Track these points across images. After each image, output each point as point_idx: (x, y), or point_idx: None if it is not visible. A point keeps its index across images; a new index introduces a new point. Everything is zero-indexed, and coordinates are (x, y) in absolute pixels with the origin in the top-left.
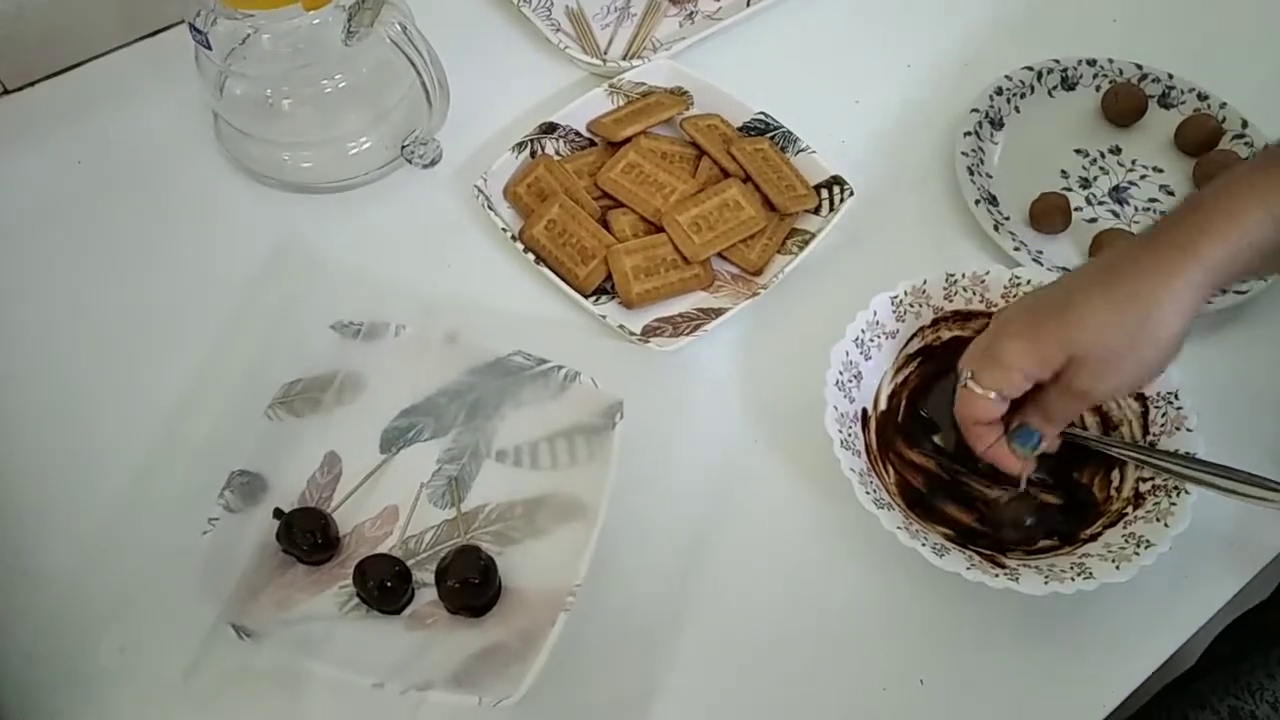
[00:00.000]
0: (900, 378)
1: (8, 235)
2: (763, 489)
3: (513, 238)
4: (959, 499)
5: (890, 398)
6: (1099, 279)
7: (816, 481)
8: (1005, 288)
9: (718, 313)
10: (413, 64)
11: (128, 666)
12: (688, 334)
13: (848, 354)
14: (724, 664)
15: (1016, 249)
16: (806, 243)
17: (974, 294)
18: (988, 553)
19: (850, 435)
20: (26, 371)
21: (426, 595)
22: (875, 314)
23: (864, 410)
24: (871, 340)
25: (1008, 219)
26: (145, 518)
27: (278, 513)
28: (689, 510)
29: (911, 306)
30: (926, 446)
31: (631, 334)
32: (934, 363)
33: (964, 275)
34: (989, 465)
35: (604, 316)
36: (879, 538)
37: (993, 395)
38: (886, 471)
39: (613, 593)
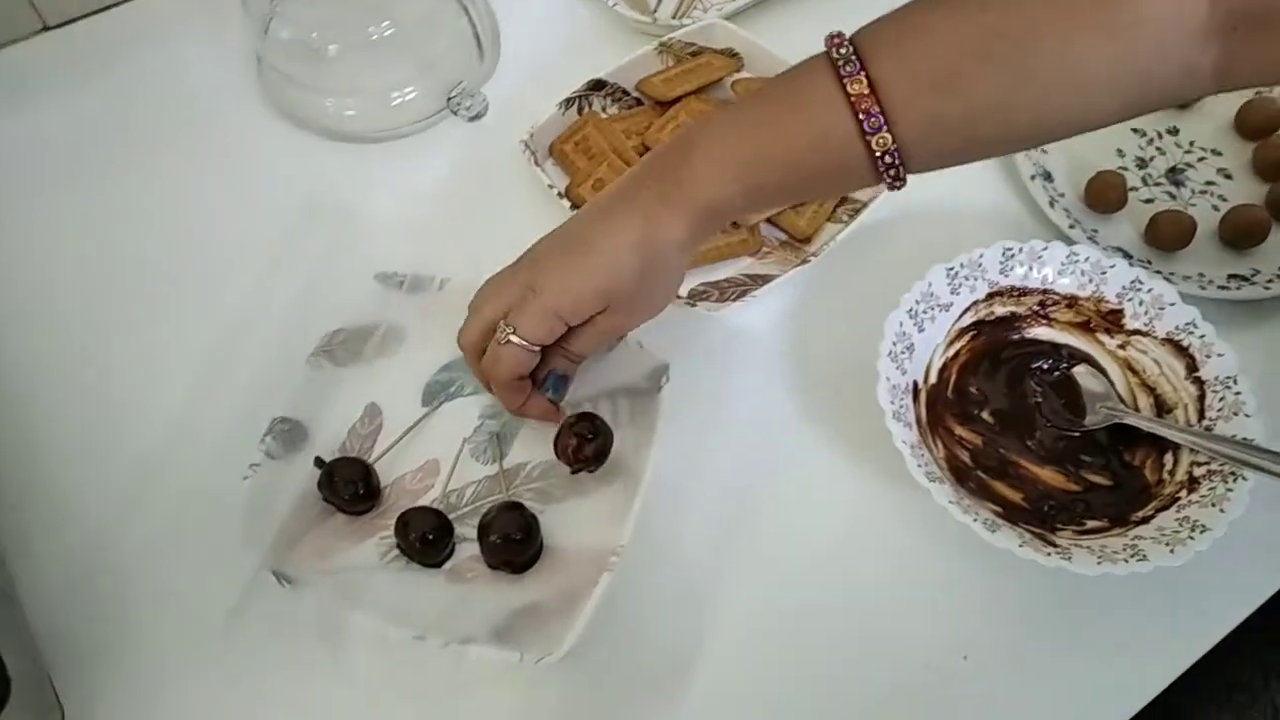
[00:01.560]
0: (951, 351)
1: (44, 175)
2: (807, 459)
3: (559, 195)
4: (1006, 476)
5: (941, 371)
6: (613, 224)
7: (861, 453)
8: (1062, 263)
9: (765, 279)
10: (466, 11)
11: (168, 608)
12: (734, 299)
13: (901, 325)
14: (764, 632)
15: (1071, 226)
16: (857, 212)
17: (1030, 269)
18: (1037, 530)
19: (901, 408)
20: (65, 313)
21: (467, 550)
22: (930, 285)
23: (915, 383)
24: (925, 312)
25: (1062, 195)
26: (185, 460)
27: (319, 462)
28: (732, 476)
29: (967, 279)
30: (976, 422)
31: (678, 297)
32: (985, 337)
33: (1021, 250)
34: (1039, 442)
35: None
36: (925, 511)
37: (536, 348)
38: (935, 446)
39: (654, 555)
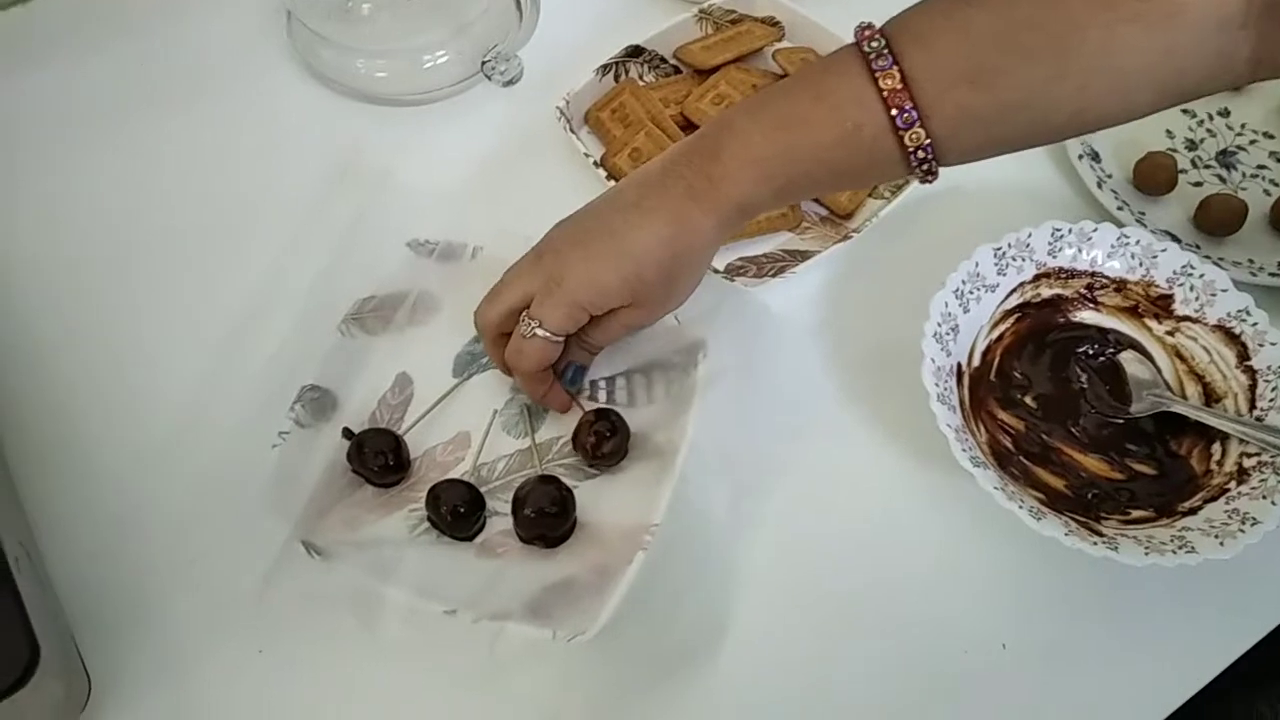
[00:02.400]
0: (995, 334)
1: (69, 135)
2: (845, 439)
3: (595, 164)
4: (1049, 463)
5: (984, 354)
6: (642, 219)
7: (900, 435)
8: (1112, 246)
9: (804, 255)
10: None
11: (195, 577)
12: (772, 275)
13: (947, 306)
14: (799, 612)
15: (1119, 208)
16: (899, 188)
17: (1079, 250)
18: (1081, 519)
19: (946, 390)
20: (90, 276)
21: (498, 524)
22: (977, 265)
23: (958, 365)
24: (971, 293)
25: (1110, 176)
26: (213, 427)
27: (347, 433)
28: (768, 456)
29: (1014, 260)
30: (1018, 407)
31: (715, 271)
32: (1030, 320)
33: (1070, 230)
34: (1083, 429)
35: None
36: (965, 496)
37: (560, 338)
38: (978, 430)
39: (688, 532)
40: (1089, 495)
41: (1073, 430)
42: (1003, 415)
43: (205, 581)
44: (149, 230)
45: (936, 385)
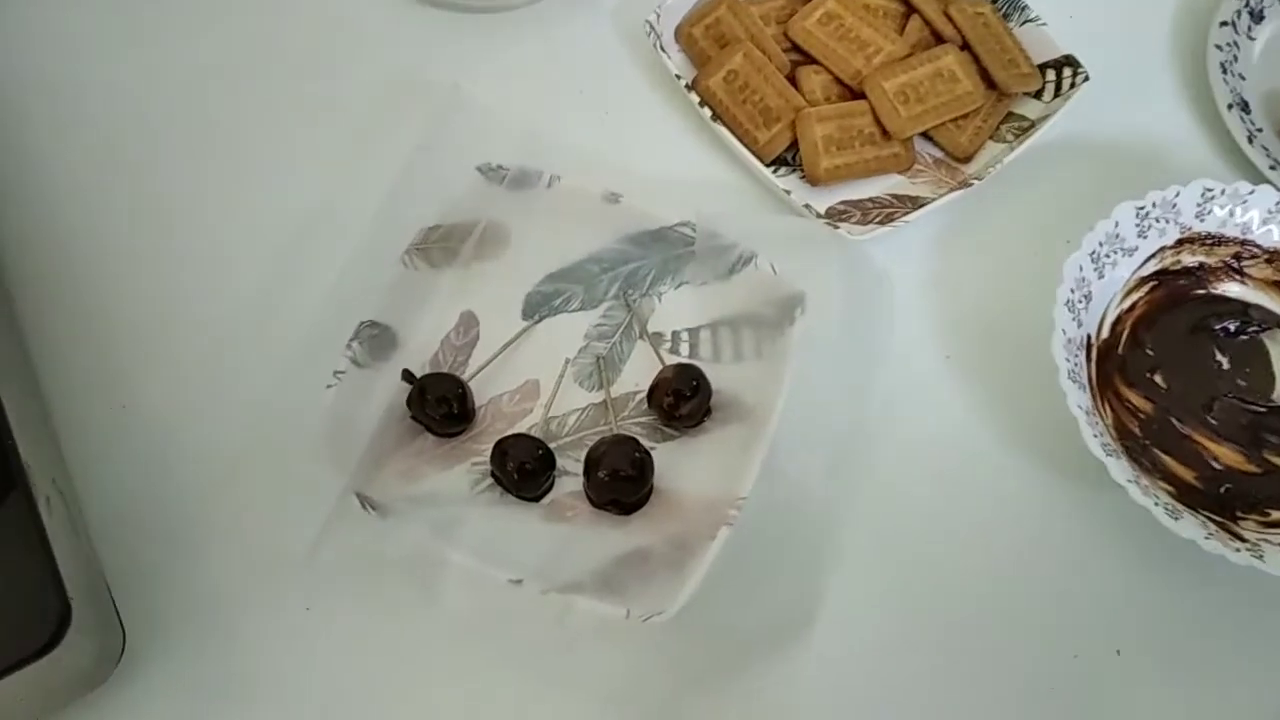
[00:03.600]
0: (1128, 302)
1: (114, 33)
2: (950, 412)
3: (686, 87)
4: (1177, 450)
5: (1114, 325)
6: None
7: (1017, 411)
8: (1270, 211)
9: (914, 201)
10: None
11: (241, 524)
12: (879, 222)
13: (1081, 270)
14: (895, 598)
15: (1272, 167)
16: (1023, 130)
17: (1231, 214)
18: (1218, 519)
19: (1075, 366)
20: (132, 186)
21: (566, 485)
22: (1117, 225)
23: (1088, 337)
24: (1107, 256)
25: (1260, 131)
26: (262, 360)
27: (408, 376)
28: (865, 425)
29: (1157, 221)
30: (1146, 386)
31: (817, 215)
32: (1166, 288)
33: (1222, 191)
34: (1217, 415)
35: (788, 192)
36: (1086, 484)
37: None
38: (1104, 410)
39: (775, 505)
40: (1221, 489)
41: (1207, 416)
42: (1129, 394)
43: (251, 529)
44: (196, 138)
45: (1067, 359)
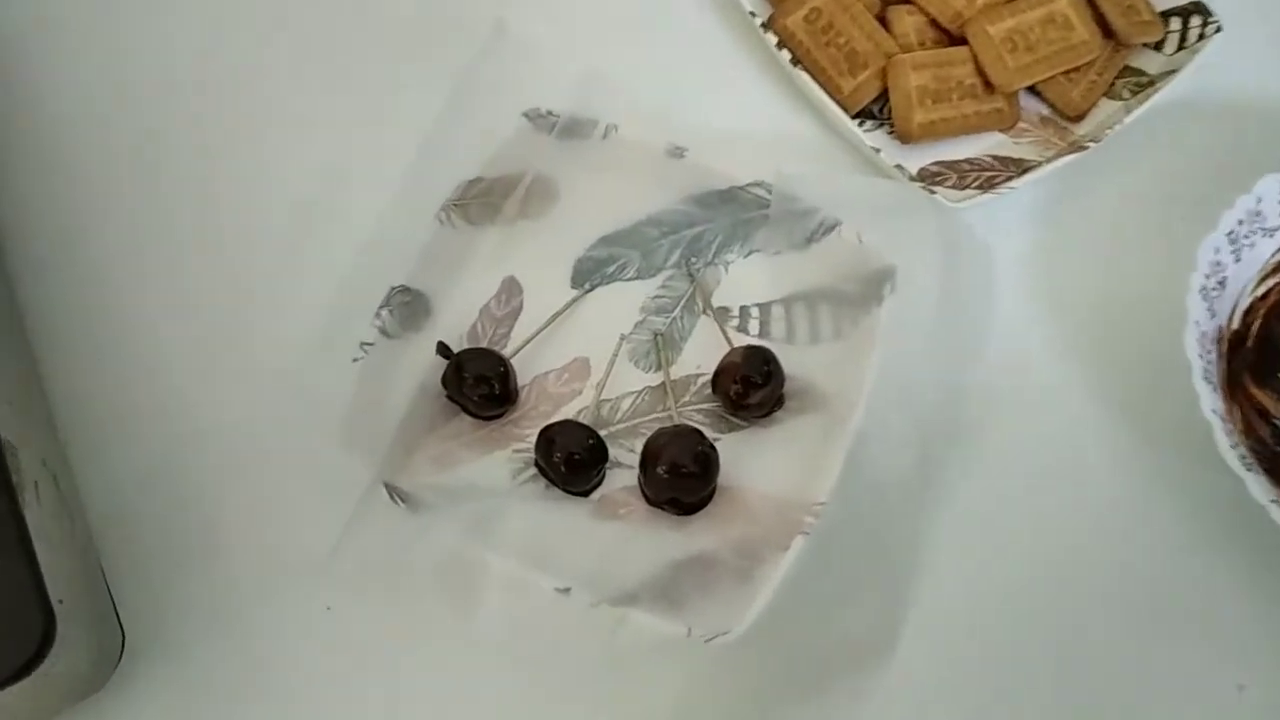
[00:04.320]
0: (1261, 290)
1: None
2: (1054, 407)
3: (762, 26)
4: None
5: (1245, 315)
6: None
7: (1134, 409)
8: None
9: (1018, 164)
10: None
11: (256, 512)
12: (977, 187)
13: (1218, 252)
14: (987, 617)
15: None
16: (1141, 87)
17: None
18: None
19: (1208, 364)
20: (137, 147)
21: (619, 479)
22: (1259, 201)
23: (1219, 329)
24: (1246, 237)
25: None
26: (280, 335)
27: (444, 350)
28: (956, 422)
29: None
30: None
31: (909, 176)
32: None
33: None
34: None
35: (877, 150)
36: (1210, 497)
37: None
38: (1233, 414)
39: (856, 512)
40: None
41: None
42: (1260, 396)
43: (266, 520)
44: (209, 78)
45: (1200, 356)
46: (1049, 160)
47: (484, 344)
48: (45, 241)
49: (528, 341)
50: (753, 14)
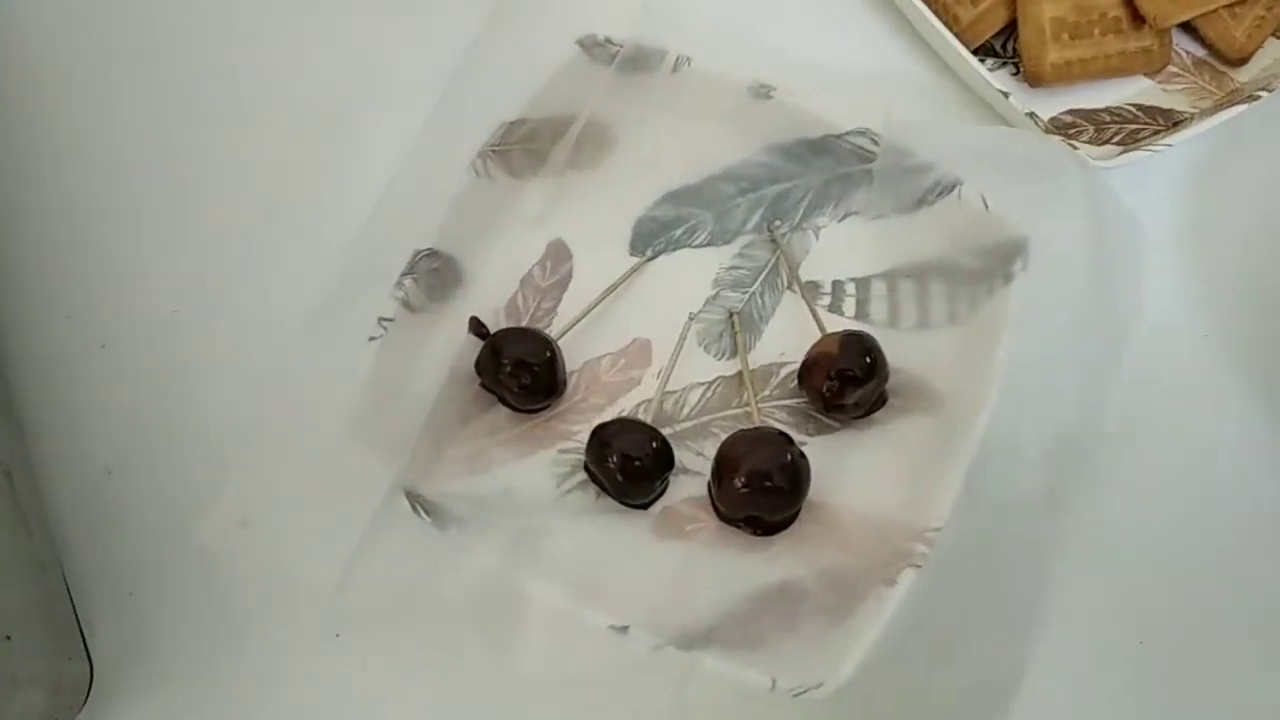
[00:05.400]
0: None
1: None
2: (1211, 415)
3: None
4: None
5: None
6: None
7: None
8: None
9: (1167, 115)
10: None
11: (251, 531)
12: (1119, 142)
13: None
14: (1125, 665)
15: None
16: None
17: None
18: None
19: None
20: (109, 84)
21: (684, 487)
22: None
23: None
24: None
25: None
26: (282, 308)
27: (478, 328)
28: (1104, 426)
29: None
30: None
31: (1045, 128)
32: None
33: None
34: None
35: (1006, 95)
36: None
37: None
38: None
39: (977, 537)
40: None
41: None
42: None
43: (264, 531)
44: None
45: None
46: (1206, 113)
47: (525, 322)
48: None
49: (578, 319)
50: None
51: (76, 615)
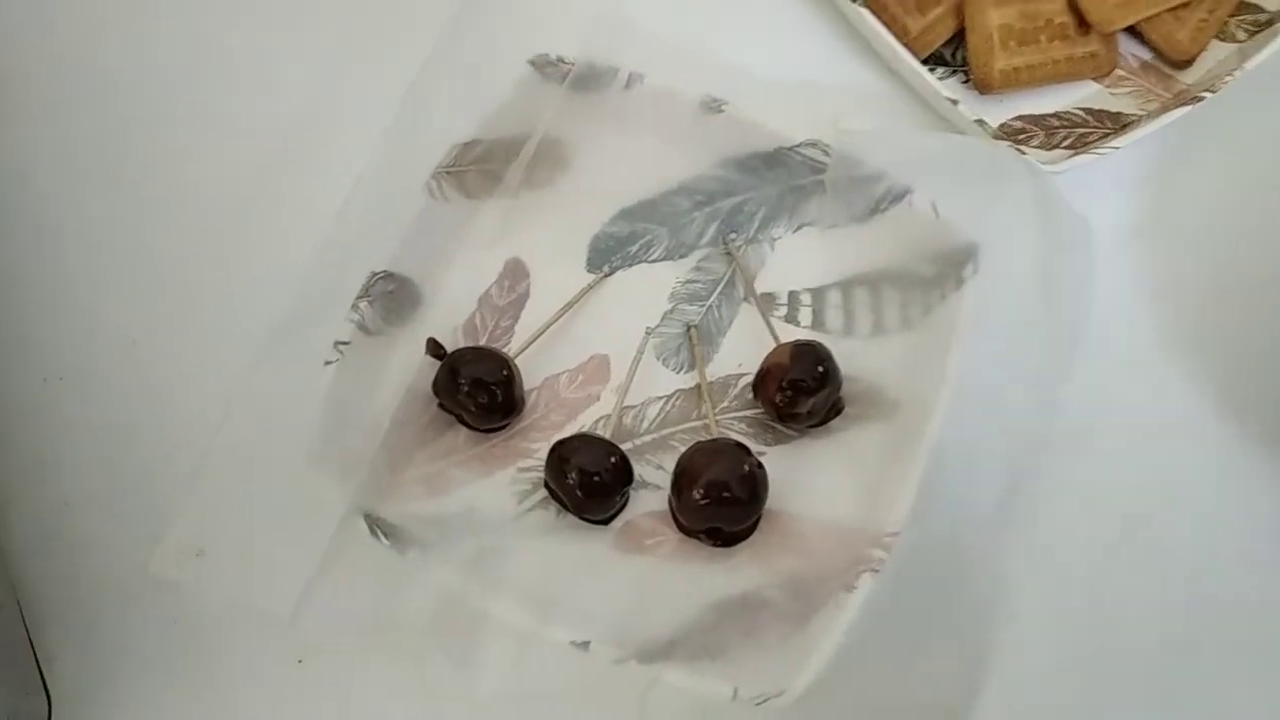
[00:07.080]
0: None
1: None
2: (1160, 409)
3: None
4: None
5: None
6: None
7: (1250, 412)
8: None
9: (1115, 118)
10: None
11: (212, 550)
12: (1068, 146)
13: None
14: (1084, 668)
15: None
16: (1259, 26)
17: None
18: None
19: None
20: (65, 97)
21: (644, 502)
22: None
23: None
24: None
25: None
26: (236, 331)
27: (435, 348)
28: (1051, 431)
29: None
30: None
31: (992, 134)
32: None
33: None
34: None
35: (955, 102)
36: None
37: None
38: None
39: (932, 542)
40: None
41: None
42: None
43: (222, 558)
44: (144, 14)
45: None
46: (1153, 115)
47: (484, 341)
48: None
49: (536, 337)
50: None
51: (34, 650)
